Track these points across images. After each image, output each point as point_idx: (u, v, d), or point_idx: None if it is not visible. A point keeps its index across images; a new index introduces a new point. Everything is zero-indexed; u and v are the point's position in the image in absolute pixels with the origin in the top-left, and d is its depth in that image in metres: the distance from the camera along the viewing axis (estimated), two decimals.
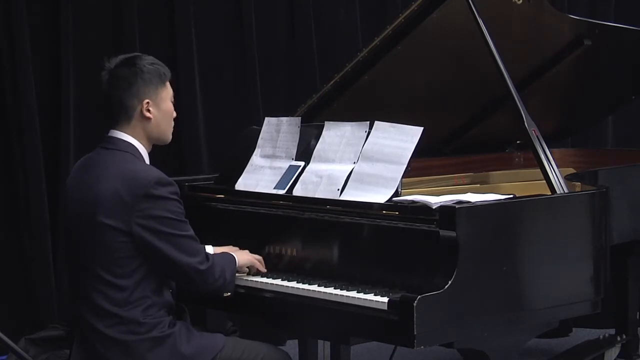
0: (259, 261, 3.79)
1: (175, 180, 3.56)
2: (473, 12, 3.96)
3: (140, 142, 3.54)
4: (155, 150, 3.66)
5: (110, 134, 3.55)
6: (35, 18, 6.07)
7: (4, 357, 5.41)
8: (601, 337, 5.74)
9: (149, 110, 3.50)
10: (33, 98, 5.99)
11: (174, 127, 3.67)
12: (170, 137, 3.64)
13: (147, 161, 3.55)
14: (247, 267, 3.77)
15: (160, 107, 3.55)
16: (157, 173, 3.44)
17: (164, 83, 3.56)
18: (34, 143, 5.98)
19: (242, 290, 3.74)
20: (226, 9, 6.30)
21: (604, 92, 5.45)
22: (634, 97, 5.78)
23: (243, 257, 3.73)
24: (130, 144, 3.52)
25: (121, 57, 3.57)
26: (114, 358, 3.43)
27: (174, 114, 3.64)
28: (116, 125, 3.53)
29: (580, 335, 5.81)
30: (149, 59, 3.57)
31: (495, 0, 4.11)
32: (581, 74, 5.05)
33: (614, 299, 5.06)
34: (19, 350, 5.00)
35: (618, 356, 5.72)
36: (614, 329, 5.76)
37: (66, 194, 3.63)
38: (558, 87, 5.00)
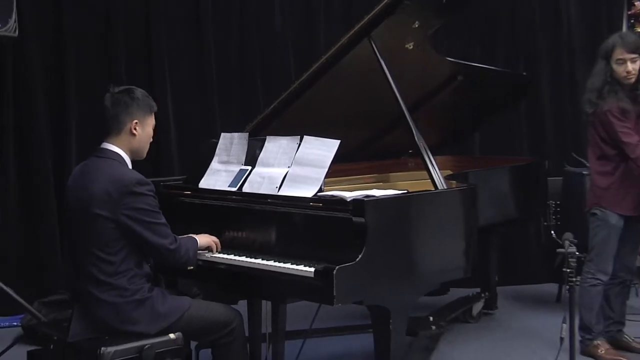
0: (215, 242, 3.76)
1: (152, 181, 3.55)
2: (376, 54, 3.98)
3: (125, 152, 3.53)
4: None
5: (102, 146, 3.54)
6: (45, 53, 5.97)
7: (22, 316, 5.32)
8: (470, 294, 5.82)
9: (135, 129, 3.51)
10: (44, 120, 5.93)
11: (151, 144, 3.65)
12: (145, 154, 3.64)
13: (130, 166, 3.54)
14: (207, 247, 3.73)
15: (144, 129, 3.56)
16: (137, 175, 3.44)
17: (151, 112, 3.60)
18: (45, 157, 5.97)
19: (203, 264, 3.72)
20: (191, 43, 6.26)
21: (475, 112, 5.49)
22: (496, 115, 5.85)
23: (203, 239, 3.71)
24: (117, 153, 3.51)
25: (122, 87, 3.60)
26: (106, 316, 3.40)
27: (151, 139, 3.63)
28: (107, 138, 3.52)
29: (455, 293, 5.83)
30: (143, 92, 3.61)
31: (392, 46, 4.12)
32: (457, 100, 5.09)
33: (480, 266, 5.08)
34: (33, 310, 4.94)
35: (482, 308, 5.80)
36: (479, 288, 5.84)
37: (67, 192, 3.59)
38: (440, 110, 5.04)
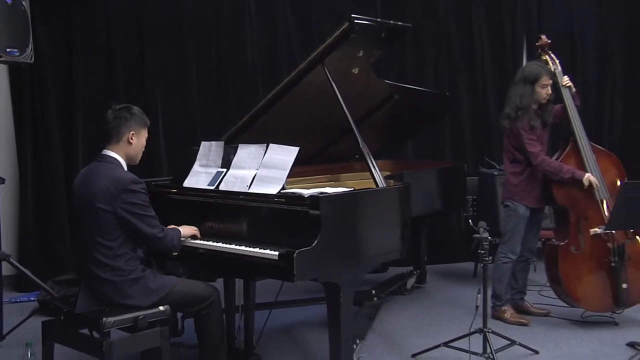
0: (195, 231, 3.75)
1: (144, 181, 3.53)
2: (329, 77, 3.96)
3: (122, 158, 3.53)
4: None
5: (103, 152, 3.54)
6: (57, 76, 5.91)
7: (38, 292, 5.25)
8: (405, 271, 5.83)
9: (132, 139, 3.53)
10: (55, 130, 5.91)
11: (144, 151, 3.64)
12: (139, 160, 3.63)
13: (126, 169, 3.52)
14: (189, 236, 3.72)
15: (139, 139, 3.57)
16: (132, 175, 3.45)
17: (145, 126, 3.61)
18: (56, 160, 5.94)
19: (186, 249, 3.70)
20: (177, 71, 6.21)
21: (410, 124, 5.49)
22: (425, 127, 5.87)
23: (185, 229, 3.70)
24: (116, 158, 3.51)
25: (122, 105, 3.60)
26: (107, 292, 3.40)
27: (144, 148, 3.63)
28: (108, 145, 3.53)
29: (393, 271, 5.85)
30: (139, 109, 3.62)
31: (341, 71, 4.10)
32: (394, 115, 5.08)
33: (413, 248, 5.09)
34: (47, 287, 4.86)
35: (415, 282, 5.82)
36: (412, 267, 5.85)
37: (74, 191, 3.57)
38: (380, 122, 5.03)
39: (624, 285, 4.66)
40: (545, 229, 5.29)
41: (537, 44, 5.04)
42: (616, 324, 4.78)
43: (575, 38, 6.87)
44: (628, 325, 4.74)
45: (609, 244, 4.66)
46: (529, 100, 4.66)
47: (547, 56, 4.94)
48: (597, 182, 4.61)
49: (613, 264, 4.65)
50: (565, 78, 4.82)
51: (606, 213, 4.64)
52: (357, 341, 4.19)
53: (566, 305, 4.89)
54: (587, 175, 4.59)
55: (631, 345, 4.37)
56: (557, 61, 4.94)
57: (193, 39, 6.15)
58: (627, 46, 6.98)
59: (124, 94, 5.94)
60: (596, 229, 4.62)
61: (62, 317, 3.50)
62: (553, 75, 4.75)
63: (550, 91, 4.71)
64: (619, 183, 4.77)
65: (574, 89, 4.80)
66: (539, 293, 5.31)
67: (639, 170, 6.77)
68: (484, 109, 6.72)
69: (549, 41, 4.96)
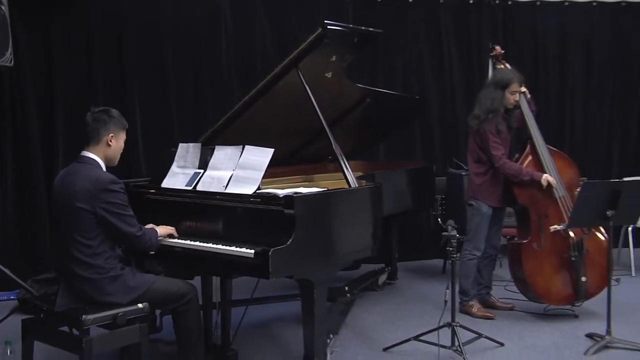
0: (172, 231, 3.73)
1: (123, 181, 3.50)
2: (303, 81, 3.95)
3: (101, 159, 3.49)
4: None
5: (82, 154, 3.50)
6: (37, 79, 5.84)
7: (18, 291, 5.18)
8: (377, 268, 5.84)
9: (111, 141, 3.50)
10: (37, 134, 5.83)
11: (122, 153, 3.61)
12: (117, 162, 3.60)
13: (105, 169, 3.48)
14: (166, 235, 3.70)
15: (118, 142, 3.54)
16: (111, 176, 3.42)
17: (123, 129, 3.58)
18: (36, 162, 5.84)
19: (164, 248, 3.66)
20: (155, 74, 6.14)
21: (381, 126, 5.50)
22: (396, 129, 5.88)
23: (162, 229, 3.68)
24: (95, 159, 3.48)
25: (102, 107, 3.56)
26: (86, 289, 3.35)
27: (122, 150, 3.59)
28: (87, 147, 3.49)
29: (365, 268, 5.85)
30: (118, 112, 3.59)
31: (315, 75, 4.09)
32: (366, 117, 5.08)
33: (384, 246, 5.08)
34: (27, 286, 4.80)
35: (386, 279, 5.83)
36: (384, 264, 5.85)
37: (54, 191, 3.52)
38: (353, 125, 5.04)
39: (583, 279, 4.72)
40: (508, 227, 5.33)
41: (491, 54, 5.11)
42: (576, 316, 4.84)
43: (538, 46, 6.93)
44: (587, 318, 4.79)
45: (569, 240, 4.71)
46: (498, 104, 4.70)
47: (501, 65, 5.02)
48: (554, 181, 4.66)
49: (573, 259, 4.71)
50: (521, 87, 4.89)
51: (564, 210, 4.70)
52: (331, 336, 4.19)
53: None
54: (545, 175, 4.65)
55: (590, 336, 4.42)
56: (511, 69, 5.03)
57: (170, 44, 6.10)
58: (586, 54, 7.07)
59: (103, 96, 5.87)
60: (556, 226, 4.67)
61: (41, 315, 3.46)
62: (522, 83, 4.79)
63: (517, 98, 4.76)
64: (573, 181, 4.85)
65: (528, 95, 4.87)
66: (505, 288, 5.34)
67: (598, 169, 6.95)
68: (452, 112, 6.76)
69: (503, 51, 5.09)
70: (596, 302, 4.77)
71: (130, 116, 5.31)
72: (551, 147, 4.89)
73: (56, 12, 5.84)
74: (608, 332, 4.30)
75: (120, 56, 6.01)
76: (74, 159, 3.53)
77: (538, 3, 6.91)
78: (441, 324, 4.08)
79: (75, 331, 3.28)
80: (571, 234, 4.70)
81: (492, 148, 4.68)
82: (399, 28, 6.58)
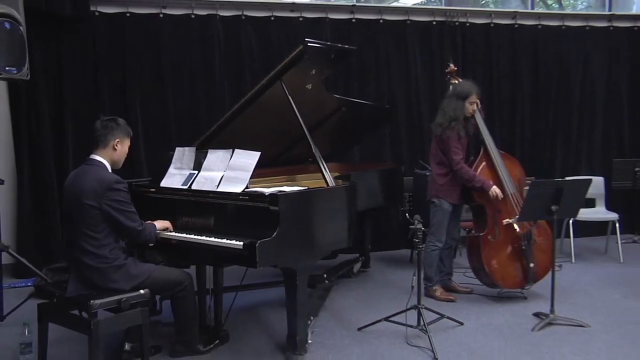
0: (169, 225, 3.73)
1: (126, 181, 3.50)
2: (286, 92, 3.95)
3: (107, 162, 3.48)
4: None
5: (90, 157, 3.50)
6: (50, 92, 5.79)
7: (34, 279, 5.13)
8: (352, 258, 5.83)
9: (117, 145, 3.50)
10: (50, 140, 5.81)
11: (126, 157, 3.62)
12: (121, 165, 3.59)
13: (110, 171, 3.47)
14: (164, 229, 3.70)
15: (123, 147, 3.54)
16: (116, 176, 3.42)
17: (128, 136, 3.58)
18: (49, 164, 5.80)
19: (163, 240, 3.66)
20: (154, 85, 6.09)
21: (355, 132, 5.50)
22: (369, 134, 5.90)
23: (160, 224, 3.67)
24: (102, 162, 3.47)
25: (110, 116, 3.57)
26: (94, 277, 3.35)
27: (126, 155, 3.59)
28: (95, 151, 3.49)
29: (341, 257, 5.85)
30: (124, 121, 3.59)
31: (297, 86, 4.10)
32: (342, 124, 5.09)
33: (358, 238, 5.10)
34: (42, 274, 4.76)
35: (360, 267, 5.83)
36: (358, 254, 5.86)
37: (65, 189, 3.50)
38: (330, 131, 5.04)
39: (531, 265, 4.76)
40: (465, 221, 5.36)
41: (446, 70, 5.13)
42: (525, 298, 4.88)
43: (492, 61, 6.98)
44: (534, 299, 4.83)
45: (519, 231, 4.75)
46: (459, 113, 4.72)
47: (455, 80, 5.06)
48: (501, 194, 4.66)
49: (523, 247, 4.75)
50: None
51: (515, 206, 4.74)
52: (311, 318, 4.19)
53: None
54: (494, 187, 4.65)
55: (537, 315, 4.47)
56: None
57: (169, 59, 6.06)
58: (532, 68, 7.12)
59: (109, 106, 5.83)
60: (508, 220, 4.71)
61: (55, 300, 3.47)
62: (479, 95, 4.82)
63: (475, 107, 4.79)
64: (521, 180, 4.90)
65: (479, 104, 4.88)
66: (464, 274, 5.36)
67: (544, 170, 7.01)
68: (417, 119, 6.76)
69: (455, 68, 5.11)
70: (542, 286, 4.82)
71: (132, 123, 5.26)
72: (502, 151, 4.93)
73: (67, 31, 5.79)
74: (552, 311, 4.35)
75: (124, 70, 5.96)
76: (82, 161, 3.52)
77: (492, 25, 6.95)
78: (409, 306, 4.10)
79: (84, 314, 3.26)
80: (516, 227, 4.76)
81: (452, 153, 4.70)
82: (371, 45, 6.59)
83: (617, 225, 6.23)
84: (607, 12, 7.43)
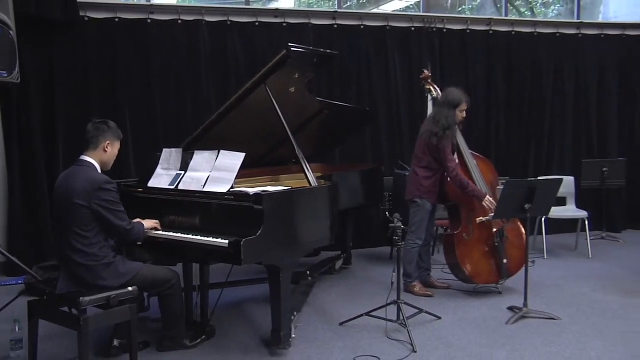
0: (157, 224, 3.70)
1: (115, 181, 3.47)
2: (270, 95, 3.94)
3: (97, 163, 3.46)
4: None
5: (80, 158, 3.47)
6: (40, 95, 5.75)
7: (25, 276, 5.08)
8: (334, 255, 5.82)
9: (107, 147, 3.48)
10: (39, 139, 5.75)
11: (115, 160, 3.60)
12: (111, 166, 3.56)
13: (100, 172, 3.45)
14: (152, 228, 3.67)
15: (113, 149, 3.53)
16: (105, 177, 3.40)
17: (119, 139, 3.57)
18: (40, 165, 5.74)
19: (150, 239, 3.64)
20: (142, 86, 6.04)
21: (337, 134, 5.50)
22: (350, 136, 5.90)
23: (148, 223, 3.66)
24: (92, 163, 3.45)
25: (101, 119, 3.55)
26: (83, 275, 3.33)
27: (116, 157, 3.58)
28: (86, 152, 3.47)
29: (324, 255, 5.86)
30: (115, 124, 3.57)
31: (280, 90, 4.09)
32: (324, 126, 5.08)
33: (340, 236, 5.10)
34: (32, 272, 4.70)
35: (342, 264, 5.82)
36: (340, 251, 5.86)
37: (56, 190, 3.47)
38: (313, 132, 5.03)
39: (505, 261, 4.79)
40: (439, 219, 5.38)
41: (421, 77, 5.14)
42: (500, 293, 4.91)
43: (468, 65, 7.02)
44: (509, 294, 4.86)
45: (492, 229, 4.78)
46: (452, 121, 4.68)
47: (429, 86, 5.07)
48: (492, 202, 4.63)
49: (496, 244, 4.77)
50: None
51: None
52: (295, 313, 4.18)
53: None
54: (487, 197, 4.62)
55: (511, 308, 4.50)
56: (437, 89, 5.09)
57: (156, 63, 6.02)
58: (507, 73, 7.16)
59: (98, 108, 5.78)
60: (482, 218, 4.73)
61: (45, 297, 3.43)
62: (469, 102, 4.81)
63: (464, 115, 4.77)
64: (493, 181, 4.92)
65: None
66: (442, 270, 5.37)
67: (517, 170, 7.06)
68: (397, 121, 6.77)
69: (430, 74, 5.11)
70: (515, 281, 4.85)
71: (121, 125, 5.18)
72: (476, 154, 4.95)
73: (58, 36, 5.74)
74: (525, 305, 4.38)
75: (113, 73, 5.92)
76: (73, 162, 3.49)
77: (468, 31, 6.98)
78: (389, 301, 4.11)
79: (74, 311, 3.23)
80: (490, 225, 4.77)
81: (448, 161, 4.66)
82: (353, 50, 6.60)
83: (587, 222, 6.30)
84: (576, 21, 7.52)
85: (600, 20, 7.87)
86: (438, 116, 4.72)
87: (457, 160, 4.74)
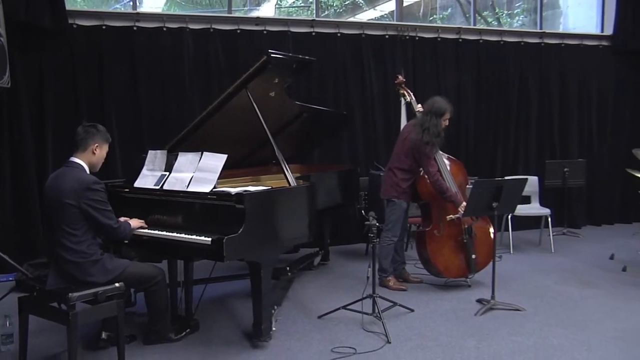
0: (142, 223, 3.69)
1: (103, 182, 3.46)
2: (251, 99, 3.94)
3: (86, 164, 3.44)
4: None
5: (70, 159, 3.45)
6: (30, 99, 5.66)
7: (15, 273, 5.01)
8: (312, 252, 5.83)
9: (96, 150, 3.46)
10: (30, 144, 5.66)
11: (103, 163, 3.57)
12: (99, 168, 3.53)
13: (88, 172, 3.43)
14: (138, 227, 3.65)
15: (101, 152, 3.50)
16: (93, 177, 3.38)
17: (107, 142, 3.54)
18: (30, 167, 5.66)
19: (136, 237, 3.62)
20: (129, 90, 5.99)
21: (315, 136, 5.50)
22: (327, 138, 5.91)
23: (134, 222, 3.64)
24: (80, 164, 3.43)
25: (91, 123, 3.53)
26: (72, 271, 3.31)
27: (104, 159, 3.55)
28: (75, 154, 3.45)
29: (303, 251, 5.86)
30: (104, 128, 3.54)
31: (261, 94, 4.09)
32: (303, 129, 5.08)
33: (318, 233, 5.09)
34: (23, 269, 4.63)
35: (320, 260, 5.84)
36: (318, 248, 5.86)
37: (46, 190, 3.43)
38: (293, 135, 5.02)
39: (473, 256, 4.84)
40: (412, 217, 5.42)
41: (395, 82, 5.16)
42: (469, 286, 4.96)
43: (439, 71, 7.07)
44: (477, 287, 4.92)
45: (462, 226, 4.83)
46: (440, 130, 4.67)
47: (403, 91, 5.09)
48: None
49: (465, 241, 4.82)
50: (419, 105, 4.98)
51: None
52: (275, 307, 4.17)
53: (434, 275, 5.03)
54: (463, 204, 4.61)
55: (479, 301, 4.55)
56: (411, 93, 5.13)
57: (143, 68, 5.98)
58: (475, 79, 7.24)
59: (86, 111, 5.73)
60: (452, 216, 4.77)
61: (35, 293, 3.40)
62: (452, 111, 4.80)
63: (447, 123, 4.78)
64: (462, 182, 4.94)
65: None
66: (415, 266, 5.39)
67: (485, 170, 7.13)
68: (372, 124, 6.80)
69: (404, 80, 5.14)
70: (483, 275, 4.91)
71: (108, 127, 5.14)
72: (450, 156, 4.99)
73: (47, 42, 5.66)
74: (493, 297, 4.44)
75: (101, 78, 5.86)
76: (62, 163, 3.46)
77: (439, 39, 7.04)
78: (364, 295, 4.14)
79: (63, 306, 3.21)
80: (459, 222, 4.81)
81: (430, 166, 4.68)
82: (330, 56, 6.61)
83: (549, 219, 6.39)
84: (539, 30, 7.63)
85: (561, 30, 8.00)
86: (427, 125, 4.65)
87: (436, 167, 4.73)
